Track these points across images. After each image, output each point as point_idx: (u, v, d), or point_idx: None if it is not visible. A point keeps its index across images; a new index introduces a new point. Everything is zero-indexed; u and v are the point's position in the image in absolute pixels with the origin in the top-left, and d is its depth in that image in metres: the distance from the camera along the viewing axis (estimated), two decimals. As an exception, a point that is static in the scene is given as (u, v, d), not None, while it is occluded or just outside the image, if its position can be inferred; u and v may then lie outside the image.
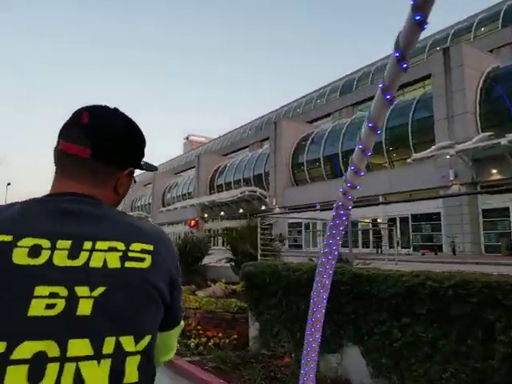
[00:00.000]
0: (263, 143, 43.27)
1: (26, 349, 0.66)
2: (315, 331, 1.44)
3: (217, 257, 10.93)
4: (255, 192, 33.11)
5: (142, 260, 0.78)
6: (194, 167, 43.85)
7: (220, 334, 6.14)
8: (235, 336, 6.08)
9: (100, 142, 0.84)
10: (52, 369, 0.67)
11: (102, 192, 0.85)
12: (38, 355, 0.66)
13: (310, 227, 27.18)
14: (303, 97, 46.12)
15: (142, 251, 0.79)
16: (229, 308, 6.96)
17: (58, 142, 0.86)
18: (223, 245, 12.75)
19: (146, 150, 0.95)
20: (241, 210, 35.88)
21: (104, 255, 0.75)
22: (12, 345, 0.66)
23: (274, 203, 31.98)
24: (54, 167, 0.87)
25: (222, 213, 37.14)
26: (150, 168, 0.99)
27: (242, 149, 47.25)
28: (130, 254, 0.77)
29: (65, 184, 0.84)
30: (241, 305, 7.04)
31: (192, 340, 5.95)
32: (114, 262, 0.75)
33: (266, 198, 33.32)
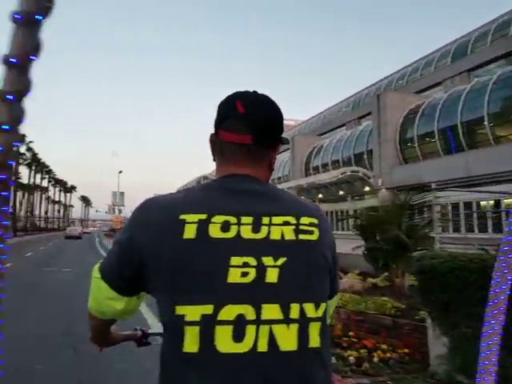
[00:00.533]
0: (361, 120, 40.35)
1: (229, 311, 0.76)
2: (498, 313, 1.38)
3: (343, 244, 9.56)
4: (357, 172, 30.76)
5: (311, 233, 0.86)
6: (288, 149, 42.69)
7: (384, 346, 4.69)
8: (405, 350, 4.58)
9: (258, 128, 0.92)
10: (250, 330, 0.76)
11: (260, 172, 0.94)
12: (239, 317, 0.76)
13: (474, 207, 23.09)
14: (407, 66, 41.79)
15: (310, 224, 0.87)
16: (384, 309, 5.49)
17: (217, 132, 0.95)
18: (343, 229, 11.18)
19: None
20: (341, 192, 33.83)
21: (281, 229, 0.84)
22: (218, 308, 0.76)
23: (380, 184, 29.38)
24: (214, 154, 0.98)
25: (320, 195, 35.47)
26: (285, 141, 1.03)
27: (339, 127, 44.74)
28: (302, 228, 0.86)
29: (230, 168, 0.93)
30: (398, 305, 5.52)
31: (349, 352, 4.60)
32: (289, 234, 0.84)
33: (369, 178, 30.79)
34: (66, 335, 5.76)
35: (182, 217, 0.82)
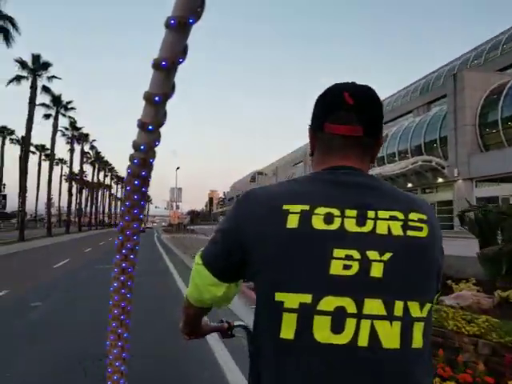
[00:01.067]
0: (430, 106, 36.93)
1: (329, 303, 0.76)
2: None
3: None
4: (430, 162, 27.77)
5: (420, 229, 0.83)
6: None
7: None
8: None
9: (369, 119, 0.90)
10: (350, 323, 0.75)
11: (364, 164, 0.92)
12: (339, 309, 0.76)
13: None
14: (484, 44, 37.50)
15: (419, 220, 0.84)
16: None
17: (321, 125, 0.92)
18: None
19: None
20: (409, 185, 30.97)
21: (387, 223, 0.81)
22: (316, 298, 0.76)
23: (456, 174, 26.27)
24: (313, 148, 0.97)
25: (384, 181, 32.77)
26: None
27: (404, 115, 41.41)
28: (410, 224, 0.82)
29: (335, 160, 0.90)
30: None
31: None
32: (396, 230, 0.81)
33: (444, 168, 27.69)
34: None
35: (285, 207, 0.82)
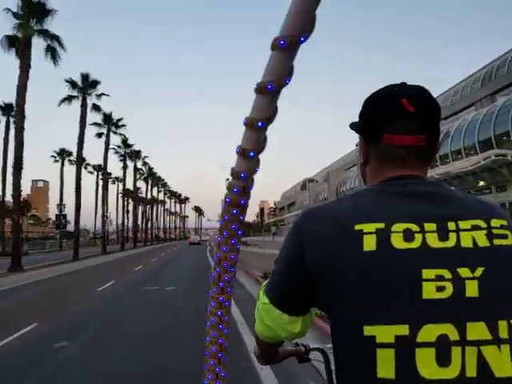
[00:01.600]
0: (495, 96, 33.47)
1: (429, 332, 0.68)
2: None
3: None
4: (505, 156, 24.63)
5: (505, 237, 0.76)
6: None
7: None
8: None
9: (431, 126, 0.84)
10: (456, 352, 0.67)
11: (424, 171, 0.87)
12: (441, 338, 0.68)
13: None
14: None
15: (502, 227, 0.77)
16: None
17: (377, 135, 0.85)
18: None
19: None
20: (481, 183, 27.82)
21: (471, 234, 0.74)
22: (414, 328, 0.68)
23: (538, 168, 23.04)
24: (366, 159, 0.90)
25: (452, 188, 29.69)
26: None
27: (465, 109, 38.01)
28: (495, 231, 0.76)
29: (395, 170, 0.84)
30: None
31: None
32: (482, 240, 0.74)
33: (523, 162, 24.46)
34: None
35: (358, 227, 0.75)
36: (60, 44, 20.18)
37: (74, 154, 59.80)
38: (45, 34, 19.45)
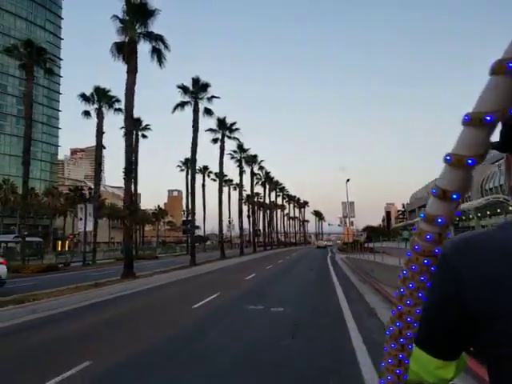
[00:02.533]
0: None
1: None
2: None
3: None
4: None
5: None
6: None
7: None
8: None
9: None
10: None
11: None
12: None
13: None
14: None
15: None
16: None
17: None
18: None
19: None
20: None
21: None
22: None
23: None
24: None
25: None
26: None
27: None
28: None
29: None
30: None
31: None
32: None
33: None
34: None
35: None
36: (165, 44, 19.72)
37: (199, 163, 62.89)
38: (149, 36, 19.16)
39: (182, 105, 28.32)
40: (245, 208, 61.24)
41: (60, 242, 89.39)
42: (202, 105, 28.78)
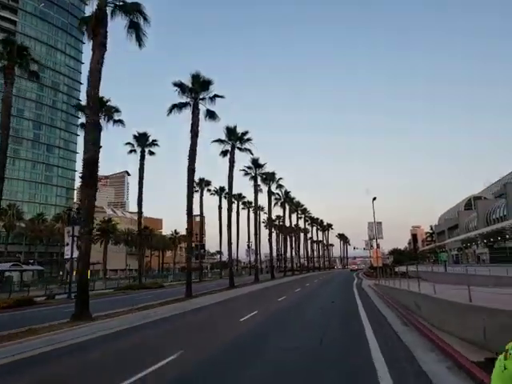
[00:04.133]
0: None
1: None
2: None
3: None
4: None
5: None
6: None
7: None
8: None
9: None
10: None
11: None
12: None
13: None
14: None
15: None
16: None
17: None
18: None
19: None
20: None
21: None
22: None
23: None
24: None
25: None
26: None
27: None
28: None
29: None
30: None
31: None
32: None
33: None
34: None
35: None
36: (144, 17, 15.34)
37: (214, 184, 58.34)
38: (124, 8, 14.93)
39: (179, 106, 23.87)
40: (266, 231, 56.20)
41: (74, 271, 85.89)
42: (203, 106, 24.47)
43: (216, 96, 24.29)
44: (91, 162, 13.88)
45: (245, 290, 28.55)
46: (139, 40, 16.11)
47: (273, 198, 56.31)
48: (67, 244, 29.66)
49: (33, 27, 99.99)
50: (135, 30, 15.70)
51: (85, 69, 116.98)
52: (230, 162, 32.87)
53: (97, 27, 14.14)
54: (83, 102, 35.01)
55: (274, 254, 63.67)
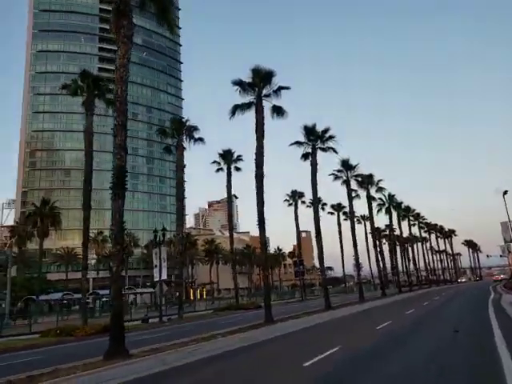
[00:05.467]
0: None
1: None
2: None
3: None
4: None
5: None
6: None
7: None
8: None
9: None
10: None
11: None
12: None
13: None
14: None
15: None
16: None
17: None
18: None
19: None
20: None
21: None
22: None
23: None
24: None
25: None
26: None
27: None
28: None
29: None
30: None
31: None
32: None
33: None
34: None
35: None
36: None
37: (307, 196, 55.40)
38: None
39: (241, 107, 21.97)
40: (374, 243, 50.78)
41: (191, 292, 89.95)
42: (269, 103, 22.09)
43: (281, 88, 21.72)
44: (120, 169, 12.44)
45: (339, 313, 24.43)
46: (171, 27, 14.79)
47: (374, 204, 50.90)
48: (155, 266, 29.44)
49: (138, 74, 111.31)
50: (164, 13, 14.39)
51: (185, 104, 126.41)
52: (311, 165, 29.66)
53: (119, 19, 13.00)
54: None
55: (388, 267, 57.23)
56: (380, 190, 47.24)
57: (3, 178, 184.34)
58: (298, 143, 29.96)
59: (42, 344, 19.06)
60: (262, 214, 21.00)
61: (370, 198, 46.05)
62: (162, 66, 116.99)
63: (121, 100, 12.83)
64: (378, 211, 54.12)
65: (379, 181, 46.62)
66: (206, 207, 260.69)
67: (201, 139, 36.90)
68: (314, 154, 29.88)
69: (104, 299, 54.84)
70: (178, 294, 39.66)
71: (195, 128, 36.56)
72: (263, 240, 21.44)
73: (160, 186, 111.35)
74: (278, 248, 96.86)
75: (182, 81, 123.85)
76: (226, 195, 42.59)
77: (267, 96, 22.21)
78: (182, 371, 9.37)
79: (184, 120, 36.69)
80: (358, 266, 40.68)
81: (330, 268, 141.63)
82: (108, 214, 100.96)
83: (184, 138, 35.41)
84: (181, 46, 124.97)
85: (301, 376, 7.82)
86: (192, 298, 76.00)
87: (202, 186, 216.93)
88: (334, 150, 30.32)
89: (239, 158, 40.31)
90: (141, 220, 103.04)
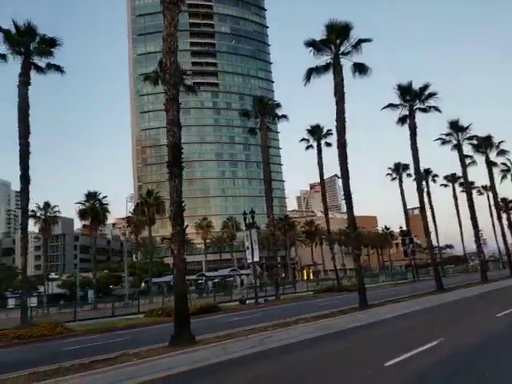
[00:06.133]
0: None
1: None
2: None
3: None
4: None
5: None
6: None
7: None
8: None
9: None
10: None
11: None
12: None
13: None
14: None
15: None
16: None
17: None
18: None
19: None
20: None
21: None
22: None
23: None
24: None
25: None
26: None
27: None
28: None
29: None
30: None
31: None
32: None
33: None
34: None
35: None
36: None
37: (411, 167, 50.11)
38: None
39: (316, 70, 19.44)
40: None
41: (295, 273, 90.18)
42: (349, 61, 19.27)
43: (361, 41, 18.68)
44: (174, 146, 11.47)
45: (452, 296, 20.86)
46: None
47: (497, 170, 43.39)
48: (247, 248, 28.95)
49: (229, 63, 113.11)
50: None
51: (276, 87, 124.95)
52: (410, 129, 25.76)
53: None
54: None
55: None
56: (502, 153, 39.88)
57: (127, 175, 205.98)
58: (391, 106, 26.31)
59: (140, 324, 19.77)
60: (349, 188, 18.58)
61: (490, 164, 39.26)
62: (250, 51, 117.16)
63: (170, 72, 11.82)
64: (503, 178, 46.11)
65: (500, 142, 39.41)
66: (308, 189, 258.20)
67: (284, 116, 35.29)
68: (412, 116, 25.98)
69: (215, 280, 58.59)
70: (276, 275, 39.25)
71: (278, 105, 34.99)
72: (351, 216, 19.04)
73: (258, 172, 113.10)
74: (386, 227, 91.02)
75: (271, 63, 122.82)
76: (328, 176, 40.85)
77: (345, 54, 19.45)
78: (240, 364, 8.15)
79: (265, 99, 35.34)
80: (478, 242, 35.21)
81: (450, 246, 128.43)
82: (212, 202, 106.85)
83: (267, 117, 34.21)
84: (267, 27, 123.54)
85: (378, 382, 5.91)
86: (293, 278, 76.17)
87: (303, 168, 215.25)
88: (437, 109, 25.96)
89: (329, 133, 37.67)
90: (242, 205, 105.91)
